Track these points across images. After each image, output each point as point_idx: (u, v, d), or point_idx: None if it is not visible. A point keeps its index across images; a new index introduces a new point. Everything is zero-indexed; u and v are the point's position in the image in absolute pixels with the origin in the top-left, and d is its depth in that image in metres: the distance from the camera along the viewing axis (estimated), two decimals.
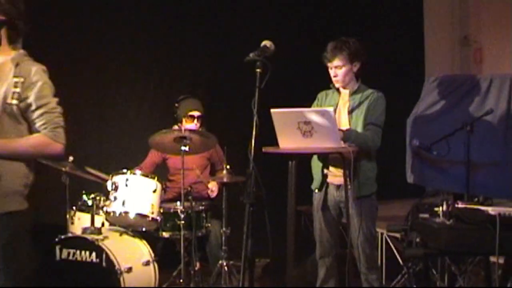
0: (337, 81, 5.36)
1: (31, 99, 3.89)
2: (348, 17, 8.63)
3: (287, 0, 8.47)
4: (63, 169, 5.93)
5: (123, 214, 5.89)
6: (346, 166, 5.03)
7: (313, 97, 5.59)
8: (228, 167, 6.24)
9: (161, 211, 6.14)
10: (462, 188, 4.43)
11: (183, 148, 5.72)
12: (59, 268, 5.66)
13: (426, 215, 4.35)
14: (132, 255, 5.90)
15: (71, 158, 5.99)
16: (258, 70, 4.34)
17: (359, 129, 5.26)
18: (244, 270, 4.29)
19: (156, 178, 6.10)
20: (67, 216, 6.11)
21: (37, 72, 3.94)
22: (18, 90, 3.85)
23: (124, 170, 6.01)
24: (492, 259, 4.92)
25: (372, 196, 5.42)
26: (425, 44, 9.37)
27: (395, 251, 6.63)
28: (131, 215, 5.89)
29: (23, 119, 3.93)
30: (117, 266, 5.53)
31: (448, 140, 4.49)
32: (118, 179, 5.96)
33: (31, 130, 3.97)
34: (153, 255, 6.04)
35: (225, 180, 6.20)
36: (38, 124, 3.93)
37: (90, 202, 5.96)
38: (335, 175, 5.37)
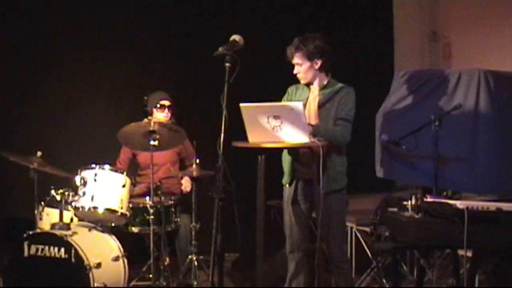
0: (299, 77, 5.38)
1: None
2: (318, 12, 8.62)
3: None
4: (31, 165, 5.89)
5: (92, 209, 5.85)
6: (316, 161, 5.04)
7: (283, 91, 5.59)
8: (197, 161, 6.23)
9: (130, 206, 6.11)
10: (430, 182, 4.45)
11: (152, 142, 5.68)
12: (27, 264, 5.62)
13: (395, 209, 4.37)
14: (101, 250, 5.87)
15: (39, 154, 5.96)
16: (227, 64, 4.34)
17: (329, 124, 5.27)
18: (213, 265, 4.29)
19: (125, 173, 6.07)
20: (36, 211, 6.06)
21: None
22: None
23: (93, 165, 5.98)
24: (461, 252, 4.95)
25: (342, 191, 5.44)
26: (394, 39, 9.40)
27: (364, 245, 6.66)
28: (100, 210, 5.86)
29: None
30: (86, 262, 5.51)
31: (417, 135, 4.50)
32: (87, 174, 5.92)
33: None
34: (122, 250, 6.02)
35: (194, 174, 6.18)
36: None
37: (58, 198, 5.91)
38: (305, 170, 5.37)
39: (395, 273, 4.78)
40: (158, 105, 6.57)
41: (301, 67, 5.32)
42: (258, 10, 8.39)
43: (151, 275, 5.74)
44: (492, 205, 4.00)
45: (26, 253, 5.62)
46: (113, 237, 6.07)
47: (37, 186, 5.94)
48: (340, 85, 5.41)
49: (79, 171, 5.96)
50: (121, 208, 5.95)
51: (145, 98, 6.68)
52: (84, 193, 5.86)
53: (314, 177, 5.12)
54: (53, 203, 6.07)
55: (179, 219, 6.40)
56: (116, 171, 6.04)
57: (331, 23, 8.07)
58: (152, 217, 5.84)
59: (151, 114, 6.58)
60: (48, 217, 6.08)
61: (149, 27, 8.06)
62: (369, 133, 5.42)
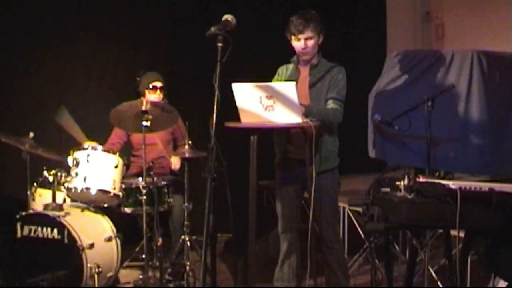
0: (306, 52, 5.36)
1: None
2: None
3: None
4: (23, 147, 5.87)
5: (85, 190, 5.85)
6: (308, 141, 5.04)
7: (273, 72, 5.58)
8: (190, 142, 6.22)
9: (123, 186, 6.11)
10: (423, 163, 4.44)
11: (144, 123, 5.66)
12: (20, 245, 5.62)
13: (387, 190, 4.37)
14: (94, 231, 5.88)
15: (31, 135, 5.94)
16: (219, 44, 4.32)
17: (320, 103, 5.27)
18: (206, 245, 4.29)
19: (117, 153, 6.07)
20: (28, 192, 6.06)
21: None
22: None
23: (85, 146, 5.97)
24: (453, 232, 4.96)
25: (335, 171, 5.45)
26: (387, 19, 9.38)
27: (357, 225, 6.67)
28: (93, 191, 5.85)
29: None
30: (79, 243, 5.51)
31: (410, 115, 4.49)
32: (79, 155, 5.91)
33: None
34: (115, 231, 6.02)
35: (187, 155, 6.18)
36: None
37: (51, 179, 5.91)
38: (298, 150, 5.38)
39: (387, 254, 4.79)
40: (150, 86, 6.56)
41: (311, 41, 5.32)
42: None
43: (144, 256, 5.74)
44: (485, 186, 4.00)
45: (18, 234, 5.62)
46: (106, 218, 6.08)
47: (30, 166, 5.93)
48: (330, 64, 5.41)
49: (71, 152, 5.94)
50: (114, 189, 5.94)
51: (137, 79, 6.66)
52: (76, 174, 5.85)
53: (306, 157, 5.12)
54: (45, 184, 6.06)
55: (171, 200, 6.40)
56: (108, 151, 6.03)
57: (324, 2, 8.04)
58: (144, 197, 5.84)
59: (143, 95, 6.57)
60: (41, 198, 6.08)
61: (141, 7, 8.03)
62: (361, 113, 5.41)
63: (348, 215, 6.76)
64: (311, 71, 5.38)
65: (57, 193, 5.90)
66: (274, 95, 4.71)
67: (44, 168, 6.04)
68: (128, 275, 6.42)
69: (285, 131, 5.37)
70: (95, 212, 6.05)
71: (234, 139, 5.06)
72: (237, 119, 4.85)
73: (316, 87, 5.33)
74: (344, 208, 6.71)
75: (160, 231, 6.10)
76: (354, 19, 8.91)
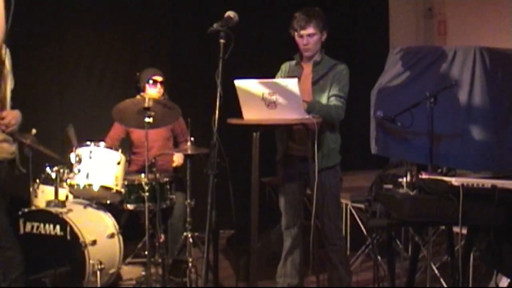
0: (308, 49, 5.36)
1: None
2: None
3: None
4: (25, 142, 5.87)
5: (87, 187, 5.85)
6: (310, 138, 5.05)
7: (276, 68, 5.58)
8: (192, 138, 6.22)
9: (125, 183, 6.11)
10: (425, 159, 4.44)
11: (146, 119, 5.65)
12: (23, 241, 5.62)
13: (390, 186, 4.37)
14: (96, 227, 5.89)
15: (34, 131, 5.94)
16: (221, 41, 4.32)
17: (323, 100, 5.28)
18: (208, 242, 4.30)
19: (120, 150, 6.07)
20: (31, 189, 6.06)
21: None
22: None
23: (88, 142, 5.97)
24: (455, 229, 4.96)
25: (337, 167, 5.45)
26: (389, 16, 9.38)
27: (359, 222, 6.67)
28: (95, 188, 5.86)
29: None
30: (81, 239, 5.52)
31: (412, 112, 4.49)
32: (82, 151, 5.91)
33: None
34: (117, 227, 6.03)
35: (189, 152, 6.17)
36: None
37: (53, 175, 5.91)
38: (300, 147, 5.38)
39: (390, 250, 4.78)
40: (151, 81, 6.55)
41: (313, 38, 5.32)
42: None
43: (146, 252, 5.74)
44: (487, 182, 4.00)
45: (21, 231, 5.62)
46: (108, 214, 6.08)
47: (32, 163, 5.93)
48: (333, 61, 5.41)
49: (74, 148, 5.95)
50: (116, 185, 5.95)
51: (138, 74, 6.66)
52: (79, 171, 5.86)
53: (309, 154, 5.12)
54: (48, 181, 6.07)
55: (174, 196, 6.41)
56: (111, 148, 6.04)
57: (326, 0, 8.04)
58: (147, 194, 5.83)
59: (143, 90, 6.56)
60: (43, 195, 6.08)
61: (142, 3, 8.03)
62: (364, 110, 5.41)
63: (351, 211, 6.76)
64: (314, 68, 5.38)
65: (60, 189, 5.90)
66: (276, 91, 4.70)
67: (47, 164, 6.04)
68: (131, 271, 6.42)
69: (287, 128, 5.37)
70: (98, 208, 6.06)
71: (237, 136, 5.07)
72: (240, 115, 4.85)
73: (319, 84, 5.33)
74: (346, 204, 6.70)
75: (163, 227, 6.11)
76: (356, 16, 8.91)
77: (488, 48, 4.58)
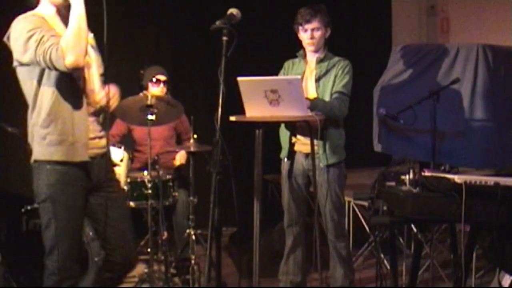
0: (312, 43, 5.36)
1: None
2: None
3: None
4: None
5: None
6: (313, 135, 5.04)
7: (279, 65, 5.58)
8: (195, 136, 6.22)
9: (128, 180, 6.11)
10: (428, 157, 4.44)
11: (149, 117, 5.64)
12: (25, 239, 5.63)
13: (392, 183, 4.37)
14: None
15: None
16: (224, 38, 4.31)
17: (326, 97, 5.28)
18: (211, 239, 4.30)
19: (123, 147, 6.06)
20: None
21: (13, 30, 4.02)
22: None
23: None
24: (458, 226, 4.96)
25: (341, 164, 5.45)
26: (392, 13, 9.38)
27: (362, 219, 6.67)
28: None
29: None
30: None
31: (415, 109, 4.49)
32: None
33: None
34: None
35: (192, 149, 6.17)
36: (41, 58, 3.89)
37: None
38: (303, 144, 5.39)
39: (392, 247, 4.79)
40: (154, 80, 6.54)
41: (318, 32, 5.33)
42: None
43: (149, 250, 5.74)
44: (490, 180, 4.00)
45: (24, 228, 5.62)
46: None
47: None
48: (337, 58, 5.41)
49: None
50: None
51: (141, 72, 6.66)
52: None
53: (312, 151, 5.12)
54: None
55: (176, 194, 6.40)
56: (114, 145, 6.03)
57: None
58: (149, 191, 5.83)
59: (146, 88, 6.56)
60: None
61: (144, 1, 8.03)
62: (367, 107, 5.41)
63: (353, 209, 6.76)
64: (317, 65, 5.38)
65: None
66: (279, 89, 4.70)
67: None
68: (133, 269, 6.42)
69: (290, 125, 5.38)
70: None
71: (239, 133, 5.07)
72: (243, 113, 4.84)
73: (322, 81, 5.34)
74: (349, 202, 6.70)
75: (165, 225, 6.11)
76: (359, 13, 8.90)
77: (491, 46, 4.59)
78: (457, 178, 3.99)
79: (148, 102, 5.63)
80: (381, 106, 4.72)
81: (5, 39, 4.05)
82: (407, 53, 4.97)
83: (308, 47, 5.39)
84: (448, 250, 6.13)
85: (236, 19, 4.41)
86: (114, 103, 4.40)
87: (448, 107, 4.51)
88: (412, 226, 5.66)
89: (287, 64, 5.56)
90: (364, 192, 5.96)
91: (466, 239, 4.60)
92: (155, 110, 5.66)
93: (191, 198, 6.16)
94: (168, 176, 6.31)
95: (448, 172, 4.26)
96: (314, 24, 5.30)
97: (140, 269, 6.21)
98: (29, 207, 5.69)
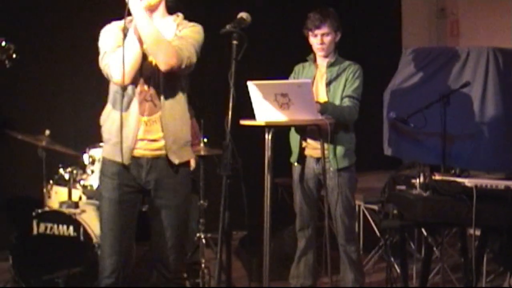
0: (322, 48, 5.36)
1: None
2: None
3: None
4: (39, 143, 5.89)
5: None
6: (324, 138, 5.05)
7: (290, 69, 5.58)
8: (205, 139, 6.22)
9: None
10: (438, 160, 4.44)
11: None
12: (36, 242, 5.64)
13: (403, 187, 4.37)
14: None
15: (47, 132, 5.96)
16: (234, 42, 4.31)
17: (337, 101, 5.27)
18: (221, 243, 4.29)
19: None
20: (44, 190, 6.07)
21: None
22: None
23: (101, 144, 5.97)
24: (469, 230, 4.95)
25: (351, 168, 5.44)
26: (402, 16, 9.37)
27: (372, 223, 6.66)
28: None
29: None
30: (94, 240, 5.52)
31: (425, 112, 4.49)
32: (95, 152, 5.92)
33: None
34: None
35: (202, 152, 6.17)
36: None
37: (67, 176, 5.92)
38: (314, 148, 5.39)
39: (403, 251, 4.78)
40: None
41: (328, 37, 5.33)
42: None
43: None
44: (501, 183, 4.00)
45: (34, 231, 5.63)
46: None
47: (46, 164, 5.95)
48: (347, 62, 5.41)
49: (87, 149, 5.96)
50: None
51: None
52: (92, 172, 5.87)
53: (322, 155, 5.13)
54: (61, 182, 6.08)
55: None
56: None
57: (339, 0, 8.04)
58: None
59: None
60: (57, 196, 6.09)
61: None
62: (377, 110, 5.42)
63: (364, 212, 6.76)
64: (327, 69, 5.38)
65: (73, 190, 5.91)
66: (289, 92, 4.70)
67: (60, 165, 6.06)
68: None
69: (300, 129, 5.37)
70: None
71: (250, 137, 5.07)
72: (253, 116, 4.85)
73: (332, 85, 5.33)
74: (359, 205, 6.70)
75: None
76: (369, 16, 8.89)
77: (501, 49, 4.59)
78: (468, 182, 3.99)
79: None
80: (391, 110, 4.73)
81: None
82: (417, 56, 4.97)
83: (318, 52, 5.39)
84: (458, 254, 6.11)
85: (246, 23, 4.40)
86: None
87: (459, 110, 4.51)
88: (423, 230, 5.65)
89: (298, 68, 5.56)
90: (374, 196, 5.96)
91: (476, 243, 4.60)
92: None
93: (201, 201, 6.16)
94: None
95: (459, 175, 4.26)
96: (324, 29, 5.30)
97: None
98: (39, 211, 5.70)
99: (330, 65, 5.38)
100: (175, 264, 4.33)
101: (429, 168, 4.37)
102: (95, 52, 7.14)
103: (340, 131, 5.30)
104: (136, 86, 4.21)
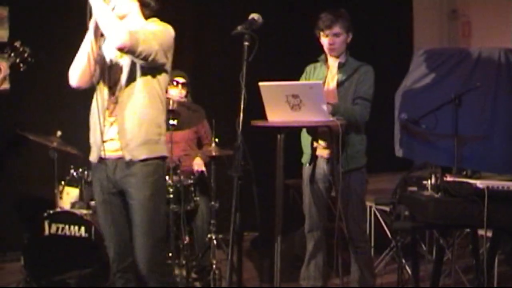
0: (333, 49, 5.36)
1: None
2: None
3: None
4: (51, 144, 5.91)
5: None
6: (334, 140, 5.04)
7: (301, 70, 5.58)
8: (216, 140, 6.22)
9: None
10: (450, 162, 4.43)
11: (171, 122, 5.65)
12: (47, 243, 5.66)
13: (414, 188, 4.36)
14: None
15: (59, 133, 5.98)
16: (246, 43, 4.31)
17: (348, 102, 5.27)
18: (232, 244, 4.29)
19: None
20: (56, 190, 6.09)
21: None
22: None
23: None
24: (480, 232, 4.94)
25: (362, 169, 5.44)
26: (413, 17, 9.36)
27: (383, 224, 6.65)
28: None
29: None
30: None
31: (436, 114, 4.48)
32: None
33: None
34: None
35: (213, 153, 6.18)
36: None
37: (78, 177, 5.94)
38: (325, 149, 5.38)
39: (414, 253, 4.77)
40: (174, 83, 6.55)
41: (339, 38, 5.33)
42: None
43: (170, 254, 5.75)
44: None
45: (46, 232, 5.65)
46: None
47: (57, 165, 5.97)
48: (358, 63, 5.40)
49: None
50: None
51: None
52: None
53: (333, 156, 5.12)
54: (73, 182, 6.10)
55: (198, 199, 6.40)
56: None
57: (350, 1, 8.05)
58: (171, 196, 5.83)
59: (166, 92, 6.57)
60: (68, 196, 6.11)
61: (166, 5, 8.05)
62: (388, 112, 5.40)
63: (375, 214, 6.75)
64: (339, 70, 5.37)
65: (84, 191, 5.93)
66: (300, 94, 4.70)
67: (72, 166, 6.08)
68: None
69: (311, 130, 5.37)
70: None
71: (261, 138, 5.07)
72: (264, 117, 4.85)
73: (343, 86, 5.33)
74: (370, 207, 6.69)
75: (187, 229, 6.12)
76: (380, 17, 8.88)
77: None
78: (479, 183, 3.98)
79: (170, 107, 5.64)
80: (403, 111, 4.71)
81: None
82: (429, 57, 4.96)
83: (330, 53, 5.39)
84: (470, 255, 6.09)
85: (257, 24, 4.41)
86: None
87: (470, 111, 4.49)
88: (434, 231, 5.64)
89: (309, 68, 5.55)
90: (385, 197, 5.96)
91: (488, 244, 4.59)
92: (177, 116, 5.67)
93: (212, 203, 6.17)
94: (190, 181, 6.31)
95: (470, 177, 4.25)
96: (335, 30, 5.30)
97: None
98: (51, 211, 5.72)
99: (341, 66, 5.37)
100: (144, 263, 4.33)
101: (441, 169, 4.36)
102: None
103: (351, 132, 5.29)
104: (105, 89, 4.37)
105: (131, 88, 4.28)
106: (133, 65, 4.28)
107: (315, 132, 5.39)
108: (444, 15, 9.39)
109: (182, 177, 6.03)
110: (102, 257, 5.51)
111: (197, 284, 6.09)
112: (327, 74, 5.41)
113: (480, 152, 4.48)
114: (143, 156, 4.26)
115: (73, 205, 5.87)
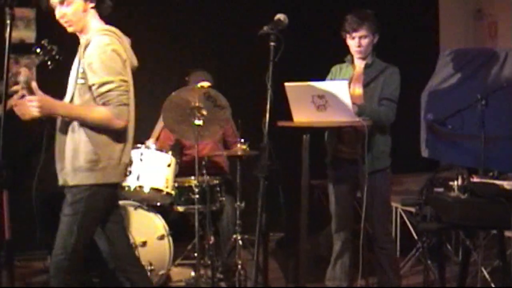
0: (360, 51, 5.34)
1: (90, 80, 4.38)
2: None
3: None
4: None
5: (138, 189, 5.91)
6: (360, 140, 5.03)
7: (326, 70, 5.57)
8: (242, 140, 6.23)
9: (176, 185, 6.15)
10: (476, 163, 4.42)
11: (196, 121, 5.63)
12: None
13: (440, 189, 4.35)
14: (146, 229, 5.94)
15: None
16: (272, 43, 4.32)
17: (374, 103, 5.25)
18: (258, 244, 4.30)
19: (170, 152, 6.11)
20: None
21: (92, 51, 4.49)
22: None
23: (139, 145, 6.01)
24: (507, 233, 4.91)
25: (387, 170, 5.42)
26: (439, 18, 9.32)
27: (409, 226, 6.63)
28: (146, 189, 5.91)
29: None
30: (131, 240, 5.55)
31: (463, 114, 4.47)
32: (133, 153, 5.95)
33: None
34: (167, 229, 6.06)
35: (239, 153, 6.18)
36: (101, 101, 4.31)
37: None
38: (349, 149, 5.37)
39: (440, 254, 4.76)
40: (199, 85, 6.55)
41: (366, 40, 5.31)
42: None
43: (195, 254, 5.77)
44: None
45: None
46: (159, 216, 6.12)
47: None
48: (385, 64, 5.38)
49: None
50: (167, 187, 5.99)
51: (186, 78, 6.69)
52: (130, 172, 5.90)
53: (359, 157, 5.11)
54: None
55: (223, 199, 6.42)
56: (161, 150, 6.08)
57: (376, 2, 8.03)
58: (197, 196, 5.85)
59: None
60: None
61: (193, 4, 8.08)
62: (414, 112, 5.40)
63: (401, 215, 6.73)
64: (365, 71, 5.36)
65: None
66: (326, 94, 4.69)
67: None
68: (180, 273, 6.46)
69: (337, 130, 5.37)
70: (148, 210, 6.09)
71: (287, 138, 5.07)
72: (290, 118, 4.85)
73: (369, 87, 5.31)
74: (396, 208, 6.67)
75: (212, 229, 6.13)
76: (406, 18, 8.86)
77: None
78: (506, 184, 3.96)
79: (195, 103, 5.61)
80: (429, 111, 4.71)
81: None
82: (456, 58, 4.95)
83: (356, 55, 5.38)
84: (496, 257, 6.06)
85: (283, 25, 4.41)
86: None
87: (497, 112, 4.48)
88: (460, 232, 5.62)
89: (335, 68, 5.55)
90: (411, 198, 5.93)
91: None
92: (203, 112, 5.62)
93: (238, 203, 6.18)
94: (215, 181, 6.33)
95: (497, 178, 4.23)
96: (361, 32, 5.28)
97: (187, 273, 6.25)
98: None
99: (368, 67, 5.36)
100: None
101: (467, 170, 4.34)
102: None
103: (376, 133, 5.28)
104: None
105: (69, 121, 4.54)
106: (75, 91, 4.54)
107: (341, 132, 5.38)
108: (469, 15, 9.34)
109: (207, 177, 6.05)
110: None
111: (223, 284, 6.11)
112: (353, 74, 5.41)
113: (507, 153, 4.46)
114: (76, 182, 4.61)
115: None
